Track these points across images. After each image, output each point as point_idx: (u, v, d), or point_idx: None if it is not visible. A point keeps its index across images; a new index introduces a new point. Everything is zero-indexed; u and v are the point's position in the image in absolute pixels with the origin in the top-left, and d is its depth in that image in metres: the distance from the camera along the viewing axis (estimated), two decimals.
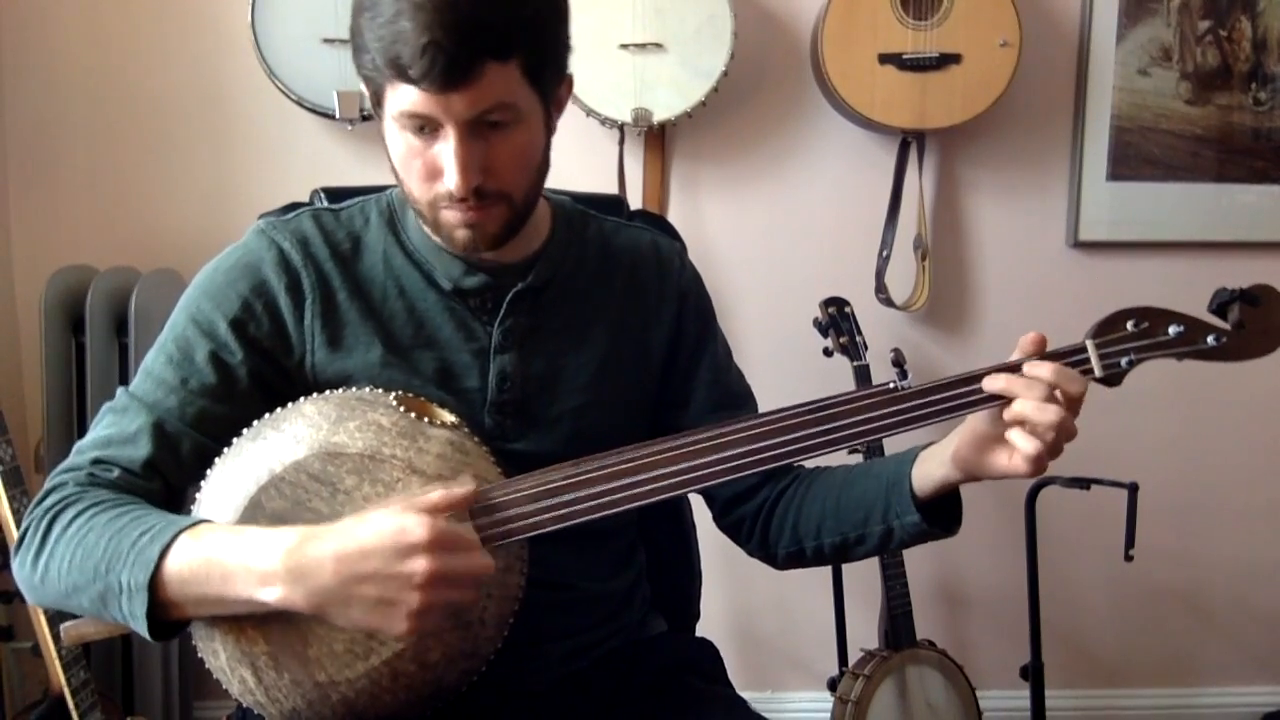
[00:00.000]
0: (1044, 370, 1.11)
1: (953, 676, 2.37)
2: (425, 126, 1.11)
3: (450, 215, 1.16)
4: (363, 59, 1.10)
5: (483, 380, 1.26)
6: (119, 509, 1.10)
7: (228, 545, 1.04)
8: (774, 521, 1.37)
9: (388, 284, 1.25)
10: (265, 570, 1.02)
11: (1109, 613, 2.76)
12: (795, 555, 1.36)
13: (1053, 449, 1.10)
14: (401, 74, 1.06)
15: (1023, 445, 1.09)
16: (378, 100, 1.13)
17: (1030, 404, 1.09)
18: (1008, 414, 1.11)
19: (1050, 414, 1.08)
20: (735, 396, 1.41)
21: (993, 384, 1.12)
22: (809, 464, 1.16)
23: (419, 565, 0.99)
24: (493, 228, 1.18)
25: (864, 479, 1.30)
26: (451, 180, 1.11)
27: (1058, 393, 1.10)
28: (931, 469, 1.21)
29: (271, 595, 1.02)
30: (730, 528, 1.43)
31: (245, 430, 1.15)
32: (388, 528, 1.01)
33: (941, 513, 1.24)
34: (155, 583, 1.03)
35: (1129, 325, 1.16)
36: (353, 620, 1.02)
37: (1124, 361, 1.15)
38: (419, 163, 1.13)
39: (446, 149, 1.11)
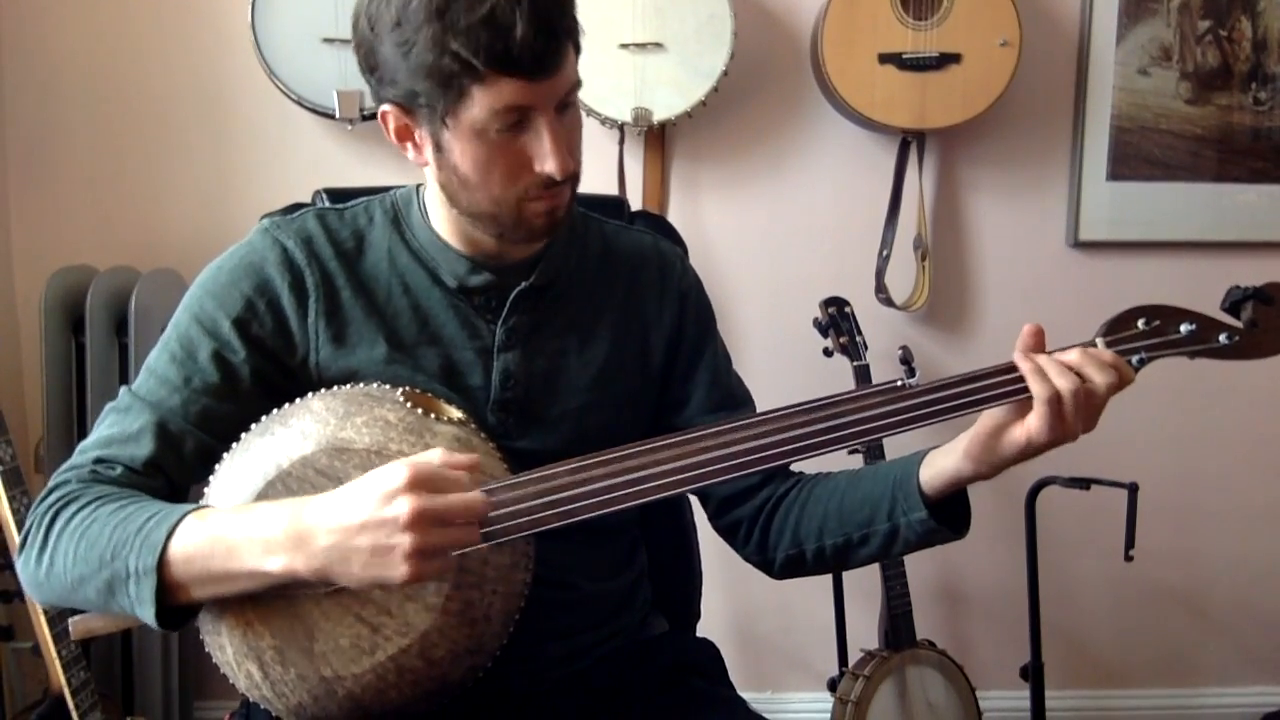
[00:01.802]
0: (1107, 354, 1.13)
1: (953, 676, 2.37)
2: (517, 121, 1.11)
3: (538, 205, 1.17)
4: (440, 63, 1.07)
5: (486, 378, 1.26)
6: (122, 500, 1.10)
7: (232, 522, 1.05)
8: (774, 524, 1.35)
9: (392, 281, 1.25)
10: (268, 538, 1.02)
11: (1109, 613, 2.76)
12: (794, 559, 1.34)
13: (1069, 425, 1.10)
14: (505, 66, 1.06)
15: (1038, 389, 1.09)
16: (449, 110, 1.10)
17: (1054, 366, 1.10)
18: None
19: (1070, 380, 1.09)
20: (735, 399, 1.41)
21: (1024, 362, 1.12)
22: (814, 462, 1.16)
23: (402, 506, 0.98)
24: (566, 209, 1.20)
25: (870, 479, 1.29)
26: (554, 165, 1.13)
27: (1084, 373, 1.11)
28: (942, 463, 1.20)
29: (276, 564, 1.02)
30: (726, 530, 1.41)
31: (253, 425, 1.15)
32: (372, 478, 1.01)
33: (949, 514, 1.24)
34: (162, 565, 1.04)
35: (1140, 323, 1.15)
36: (355, 577, 1.01)
37: (1135, 360, 1.14)
38: (503, 161, 1.14)
39: (541, 136, 1.12)
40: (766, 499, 1.36)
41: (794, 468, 1.26)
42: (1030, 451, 1.13)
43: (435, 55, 1.06)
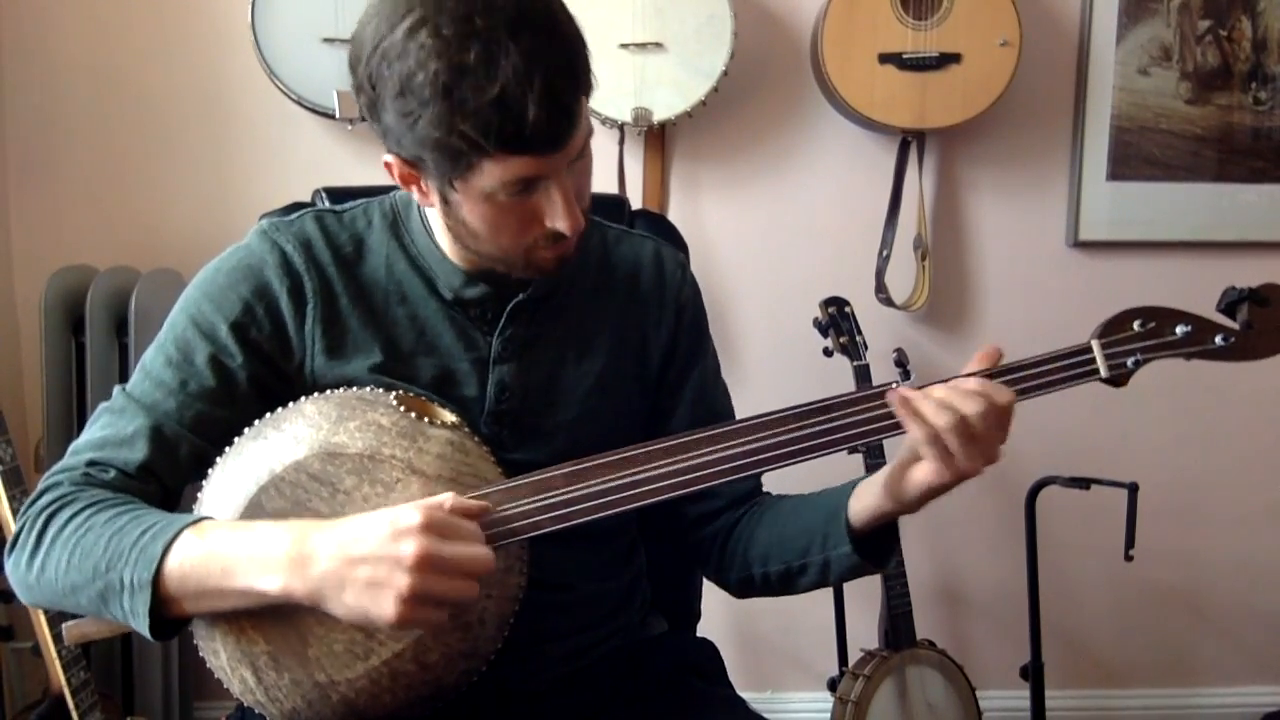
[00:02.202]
0: (971, 382, 1.09)
1: (953, 676, 2.37)
2: (527, 186, 1.09)
3: (548, 253, 1.16)
4: (448, 140, 1.03)
5: (481, 390, 1.25)
6: (117, 508, 1.09)
7: (230, 539, 1.04)
8: (729, 547, 1.36)
9: (389, 289, 1.25)
10: (267, 558, 1.02)
11: (1109, 613, 2.76)
12: (746, 582, 1.35)
13: (958, 461, 1.08)
14: (517, 147, 1.03)
15: (913, 430, 1.07)
16: (457, 177, 1.08)
17: (928, 405, 1.07)
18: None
19: (943, 417, 1.06)
20: (717, 413, 1.40)
21: (899, 407, 1.09)
22: (808, 465, 1.16)
23: (409, 547, 0.98)
24: (575, 250, 1.19)
25: (810, 508, 1.29)
26: (565, 224, 1.11)
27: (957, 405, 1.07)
28: (865, 499, 1.20)
29: (272, 584, 1.02)
30: (693, 550, 1.42)
31: (246, 429, 1.15)
32: (385, 515, 1.01)
33: (879, 546, 1.24)
34: (157, 579, 1.03)
35: (1135, 325, 1.15)
36: (346, 605, 1.01)
37: (1130, 362, 1.14)
38: (513, 220, 1.12)
39: (553, 196, 1.10)
40: (726, 522, 1.37)
41: (788, 470, 1.25)
42: (935, 490, 1.12)
43: (443, 133, 1.03)
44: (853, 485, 1.24)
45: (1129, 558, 2.15)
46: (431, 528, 0.99)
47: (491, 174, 1.06)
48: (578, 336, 1.31)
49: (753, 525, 1.34)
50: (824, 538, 1.24)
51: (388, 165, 1.15)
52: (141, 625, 1.05)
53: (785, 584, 1.32)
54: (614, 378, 1.32)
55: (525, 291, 1.25)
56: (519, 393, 1.26)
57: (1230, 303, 1.18)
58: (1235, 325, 1.17)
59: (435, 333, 1.25)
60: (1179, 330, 1.15)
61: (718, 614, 2.59)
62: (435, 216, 1.23)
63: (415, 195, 1.17)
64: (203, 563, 1.03)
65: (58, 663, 2.01)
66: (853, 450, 2.21)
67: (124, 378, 2.26)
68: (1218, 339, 1.16)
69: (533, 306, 1.27)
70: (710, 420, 1.34)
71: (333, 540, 1.01)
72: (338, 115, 2.32)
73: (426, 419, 1.14)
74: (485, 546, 1.03)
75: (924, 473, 1.11)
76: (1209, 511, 2.73)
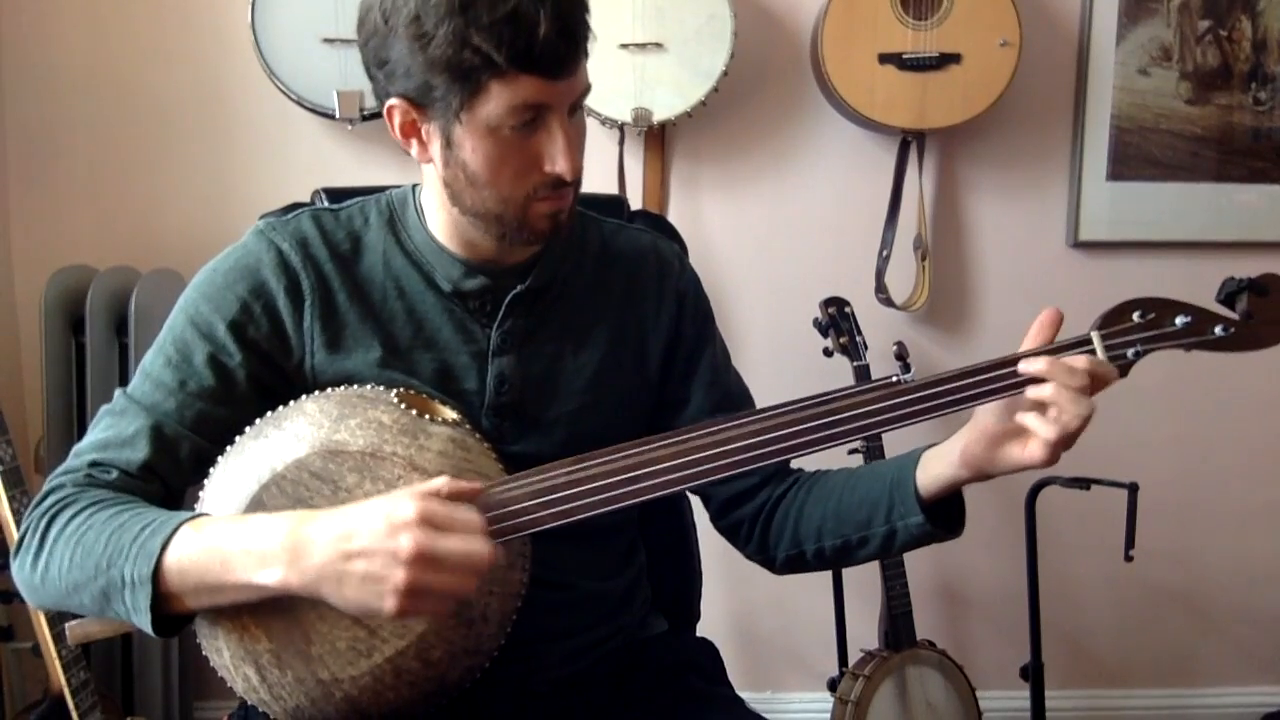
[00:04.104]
0: (1081, 361, 1.10)
1: (953, 676, 2.37)
2: (532, 120, 1.11)
3: (544, 205, 1.17)
4: (460, 57, 1.07)
5: (481, 382, 1.26)
6: (118, 506, 1.10)
7: (228, 532, 1.04)
8: (774, 524, 1.36)
9: (387, 284, 1.25)
10: (264, 551, 1.02)
11: (1109, 613, 2.76)
12: (795, 559, 1.35)
13: (1071, 439, 1.09)
14: (527, 63, 1.07)
15: (1044, 431, 1.08)
16: (465, 105, 1.10)
17: (1068, 392, 1.08)
18: (1034, 394, 1.10)
19: (1083, 406, 1.08)
20: (733, 398, 1.40)
21: (1031, 365, 1.10)
22: (811, 459, 1.16)
23: (405, 541, 0.97)
24: (569, 212, 1.21)
25: (867, 480, 1.29)
26: (564, 164, 1.13)
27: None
28: (937, 469, 1.20)
29: (270, 577, 1.01)
30: (728, 530, 1.42)
31: (248, 428, 1.15)
32: (381, 506, 1.01)
33: (944, 514, 1.24)
34: (157, 575, 1.03)
35: (1135, 316, 1.15)
36: (345, 599, 1.01)
37: (1130, 352, 1.14)
38: (515, 160, 1.14)
39: (554, 135, 1.13)
40: (766, 499, 1.36)
41: (792, 464, 1.26)
42: (1026, 468, 1.13)
43: (455, 50, 1.06)
44: (914, 455, 1.24)
45: (1129, 558, 2.15)
46: (428, 520, 0.99)
47: (499, 98, 1.09)
48: (576, 328, 1.31)
49: (800, 501, 1.34)
50: (889, 508, 1.24)
51: (389, 111, 1.16)
52: (143, 621, 1.05)
53: (840, 557, 1.32)
54: (613, 369, 1.32)
55: (523, 283, 1.26)
56: (518, 385, 1.27)
57: (1230, 293, 1.17)
58: (1235, 315, 1.16)
59: (434, 327, 1.25)
60: (1179, 321, 1.15)
61: (718, 614, 2.60)
62: (432, 195, 1.24)
63: (414, 151, 1.18)
64: (201, 557, 1.03)
65: (58, 663, 2.01)
66: (852, 451, 2.22)
67: (124, 378, 2.28)
68: (1217, 329, 1.15)
69: (531, 298, 1.27)
70: (728, 406, 1.35)
71: (328, 532, 1.01)
72: (337, 115, 2.31)
73: (428, 416, 1.14)
74: (484, 540, 1.02)
75: (1028, 457, 1.11)
76: (1209, 511, 2.73)
